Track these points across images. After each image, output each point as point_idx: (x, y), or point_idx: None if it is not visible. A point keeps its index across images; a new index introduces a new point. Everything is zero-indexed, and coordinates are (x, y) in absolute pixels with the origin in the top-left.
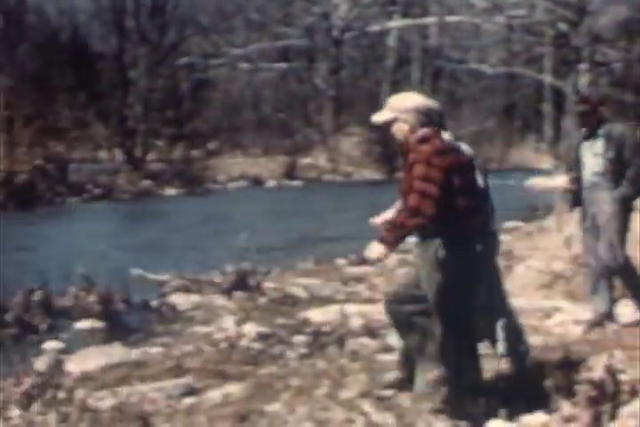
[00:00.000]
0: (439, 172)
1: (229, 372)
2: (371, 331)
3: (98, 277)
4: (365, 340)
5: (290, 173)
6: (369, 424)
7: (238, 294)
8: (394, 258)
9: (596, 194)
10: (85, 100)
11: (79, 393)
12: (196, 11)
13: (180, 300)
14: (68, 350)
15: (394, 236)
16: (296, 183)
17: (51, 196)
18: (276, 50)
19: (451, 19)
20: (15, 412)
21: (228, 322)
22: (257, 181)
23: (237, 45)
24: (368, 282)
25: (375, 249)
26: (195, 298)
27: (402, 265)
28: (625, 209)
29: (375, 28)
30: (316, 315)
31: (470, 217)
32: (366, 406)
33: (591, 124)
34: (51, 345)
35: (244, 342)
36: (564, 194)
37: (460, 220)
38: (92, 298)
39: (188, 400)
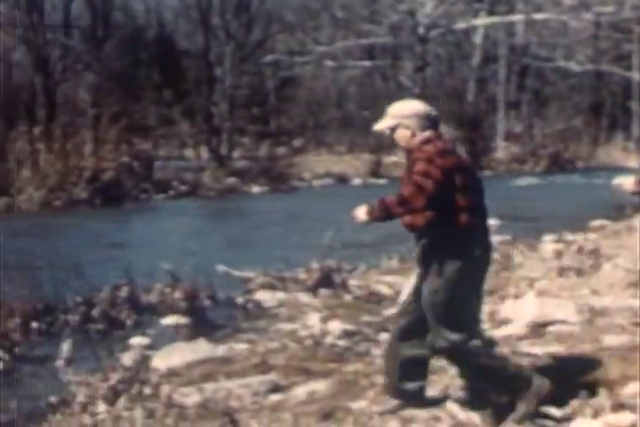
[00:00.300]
0: (439, 170)
1: (314, 369)
2: None
3: (183, 273)
4: None
5: (375, 170)
6: (454, 423)
7: (323, 291)
8: None
9: None
10: (171, 97)
11: (165, 389)
12: (282, 8)
13: (266, 297)
14: (154, 346)
15: (377, 213)
16: (381, 181)
17: (136, 193)
18: (361, 47)
19: (537, 16)
20: (102, 407)
21: (313, 319)
22: (342, 179)
23: (323, 43)
24: None
25: (360, 213)
26: (280, 295)
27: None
28: None
29: (461, 25)
30: None
31: (470, 216)
32: (451, 404)
33: None
34: (137, 341)
35: (328, 340)
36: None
37: (459, 219)
38: (177, 294)
39: (274, 397)
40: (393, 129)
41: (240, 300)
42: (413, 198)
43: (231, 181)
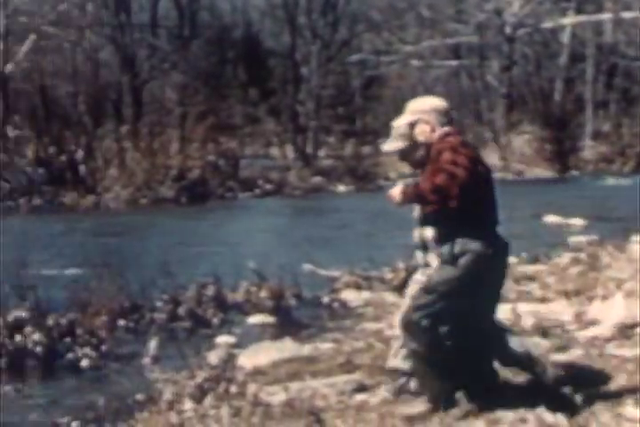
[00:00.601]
0: (466, 158)
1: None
2: (543, 330)
3: (269, 272)
4: (537, 339)
5: None
6: (541, 425)
7: None
8: (567, 256)
9: None
10: (257, 96)
11: (251, 388)
12: (368, 7)
13: (351, 296)
14: (240, 345)
15: (411, 197)
16: None
17: (222, 191)
18: (447, 47)
19: (626, 14)
20: (188, 405)
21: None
22: None
23: (409, 42)
24: (540, 281)
25: (395, 192)
26: (365, 294)
27: (574, 264)
28: None
29: (548, 24)
30: None
31: (490, 212)
32: (539, 406)
33: None
34: (223, 339)
35: None
36: None
37: (482, 214)
38: (263, 293)
39: (359, 397)
40: (412, 124)
41: (326, 299)
42: (448, 187)
43: (317, 179)
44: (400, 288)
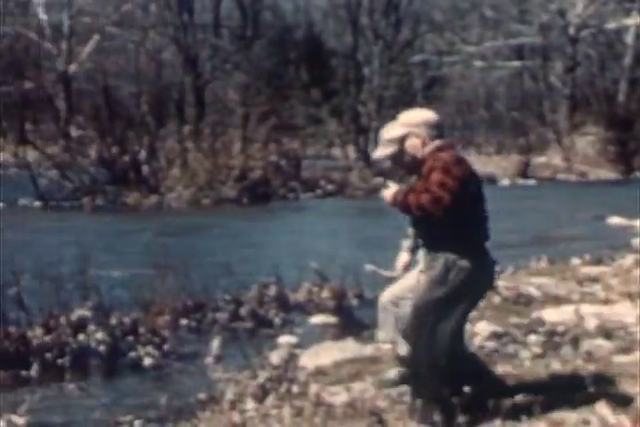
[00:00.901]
0: (456, 181)
1: None
2: (606, 332)
3: (331, 272)
4: (601, 341)
5: (524, 171)
6: (604, 425)
7: None
8: (630, 258)
9: None
10: (319, 97)
11: (313, 388)
12: (431, 8)
13: None
14: (302, 345)
15: (399, 205)
16: (530, 182)
17: (284, 191)
18: (510, 47)
19: None
20: (250, 404)
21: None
22: (490, 180)
23: (471, 43)
24: (604, 282)
25: (387, 193)
26: None
27: (638, 266)
28: None
29: (612, 25)
30: (551, 315)
31: (480, 227)
32: (602, 407)
33: None
34: (285, 339)
35: (476, 341)
36: None
37: (472, 229)
38: (325, 293)
39: None
40: (403, 138)
41: None
42: (431, 209)
43: (378, 180)
44: None
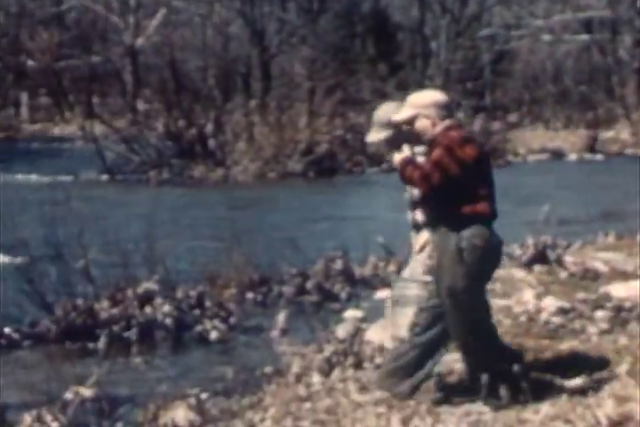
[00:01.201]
0: (456, 163)
1: (528, 345)
2: None
3: (396, 247)
4: None
5: (591, 146)
6: None
7: (538, 267)
8: None
9: None
10: (386, 71)
11: (378, 362)
12: None
13: None
14: (367, 319)
15: (402, 169)
16: (597, 157)
17: (350, 165)
18: (578, 21)
19: None
20: (316, 378)
21: (528, 295)
22: (558, 155)
23: (539, 16)
24: None
25: (398, 157)
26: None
27: None
28: None
29: None
30: (618, 290)
31: (490, 206)
32: None
33: None
34: (351, 314)
35: (543, 316)
36: None
37: (479, 208)
38: (391, 268)
39: None
40: (413, 119)
41: None
42: (419, 184)
43: None
44: (529, 264)
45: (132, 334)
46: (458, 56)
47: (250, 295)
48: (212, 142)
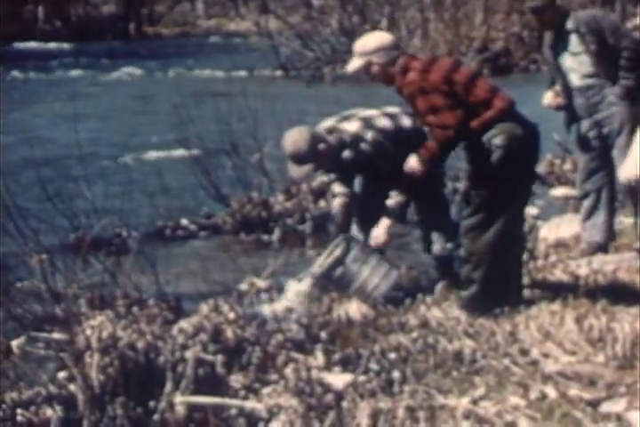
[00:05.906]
0: (439, 95)
1: None
2: None
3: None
4: None
5: None
6: None
7: None
8: None
9: (595, 98)
10: None
11: (553, 259)
12: None
13: None
14: (542, 217)
15: (425, 155)
16: None
17: (526, 63)
18: None
19: None
20: None
21: None
22: None
23: None
24: None
25: (414, 162)
26: None
27: None
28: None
29: None
30: None
31: (493, 101)
32: None
33: (552, 20)
34: (526, 210)
35: None
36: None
37: (490, 112)
38: (567, 166)
39: None
40: (367, 68)
41: None
42: (446, 135)
43: None
44: None
45: (306, 227)
46: None
47: None
48: None
